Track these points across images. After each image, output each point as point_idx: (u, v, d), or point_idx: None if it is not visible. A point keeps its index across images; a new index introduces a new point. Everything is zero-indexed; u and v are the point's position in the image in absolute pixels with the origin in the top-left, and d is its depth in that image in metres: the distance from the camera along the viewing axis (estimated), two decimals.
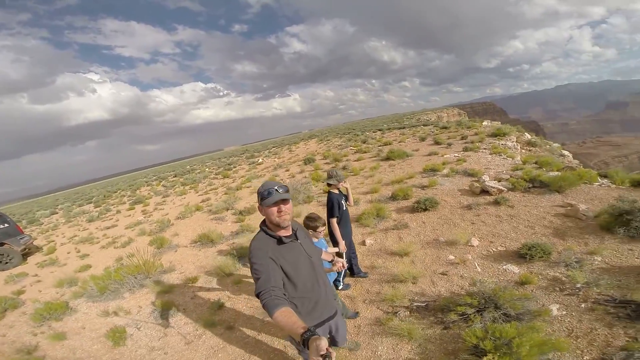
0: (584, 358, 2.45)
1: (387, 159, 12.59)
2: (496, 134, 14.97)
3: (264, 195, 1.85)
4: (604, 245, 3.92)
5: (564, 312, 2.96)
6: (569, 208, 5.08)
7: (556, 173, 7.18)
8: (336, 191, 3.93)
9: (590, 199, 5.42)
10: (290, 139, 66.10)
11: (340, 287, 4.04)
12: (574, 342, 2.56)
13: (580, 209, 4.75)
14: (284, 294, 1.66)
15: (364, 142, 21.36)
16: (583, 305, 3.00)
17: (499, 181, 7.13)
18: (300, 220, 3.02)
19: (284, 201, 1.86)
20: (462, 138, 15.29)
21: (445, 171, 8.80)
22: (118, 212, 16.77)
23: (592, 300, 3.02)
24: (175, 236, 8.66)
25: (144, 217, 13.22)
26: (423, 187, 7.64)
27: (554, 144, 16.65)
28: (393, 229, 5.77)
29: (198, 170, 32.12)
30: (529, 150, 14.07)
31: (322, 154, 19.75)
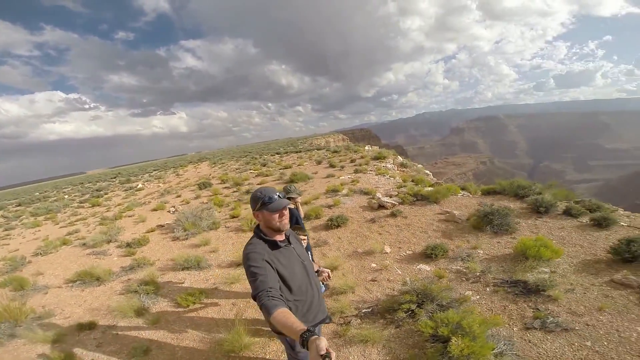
0: (514, 329, 3.07)
1: (291, 181, 12.96)
2: (378, 157, 17.38)
3: (266, 201, 1.89)
4: (480, 240, 5.07)
5: (478, 297, 3.67)
6: (447, 214, 6.35)
7: (430, 188, 8.86)
8: (293, 206, 3.96)
9: (459, 206, 6.89)
10: (175, 161, 60.54)
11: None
12: (499, 318, 3.19)
13: (456, 214, 6.04)
14: (281, 295, 1.67)
15: (264, 166, 21.45)
16: (488, 289, 3.79)
17: (391, 197, 8.30)
18: None
19: (286, 207, 1.94)
20: (352, 161, 17.13)
21: (344, 191, 9.70)
22: None
23: (492, 284, 3.85)
24: (38, 276, 6.77)
25: None
26: (330, 207, 8.19)
27: (419, 165, 20.42)
28: (315, 247, 5.94)
29: (54, 198, 25.77)
30: (403, 170, 16.71)
31: (218, 177, 18.78)
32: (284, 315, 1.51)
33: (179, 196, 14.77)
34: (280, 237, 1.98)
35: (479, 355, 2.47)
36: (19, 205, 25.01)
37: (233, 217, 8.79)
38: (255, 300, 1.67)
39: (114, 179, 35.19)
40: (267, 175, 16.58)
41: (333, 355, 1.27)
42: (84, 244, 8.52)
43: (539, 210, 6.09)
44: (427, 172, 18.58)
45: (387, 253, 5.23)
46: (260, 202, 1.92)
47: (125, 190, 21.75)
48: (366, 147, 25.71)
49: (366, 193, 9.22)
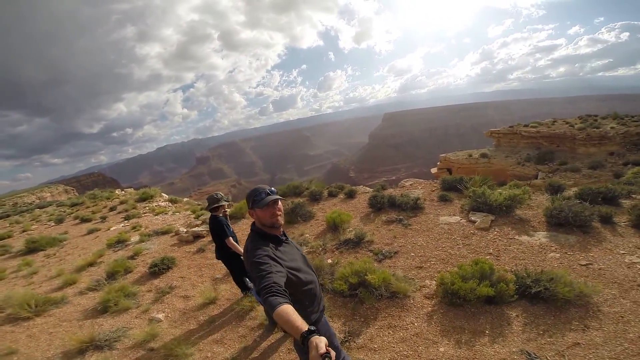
0: (375, 264, 4.34)
1: (32, 251, 9.00)
2: (144, 198, 15.53)
3: (257, 198, 1.91)
4: (300, 229, 6.36)
5: (337, 259, 4.79)
6: None
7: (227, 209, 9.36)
8: (220, 214, 4.09)
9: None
10: None
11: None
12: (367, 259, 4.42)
13: None
14: (285, 291, 1.63)
15: None
16: (337, 253, 5.07)
17: (198, 226, 8.06)
18: None
19: (276, 202, 1.95)
20: (111, 209, 14.29)
21: (135, 239, 8.20)
22: None
23: (335, 249, 5.16)
24: None
25: None
26: (132, 257, 6.74)
27: (185, 199, 19.97)
28: (164, 296, 4.95)
29: None
30: (176, 205, 15.87)
31: None
32: (287, 312, 1.49)
33: None
34: (278, 233, 2.00)
35: (387, 279, 3.61)
36: None
37: None
38: (259, 295, 1.63)
39: None
40: None
41: (333, 355, 1.28)
42: None
43: (316, 198, 8.28)
44: (197, 203, 18.60)
45: None
46: (252, 200, 1.94)
47: None
48: (117, 191, 21.82)
49: (166, 232, 8.32)
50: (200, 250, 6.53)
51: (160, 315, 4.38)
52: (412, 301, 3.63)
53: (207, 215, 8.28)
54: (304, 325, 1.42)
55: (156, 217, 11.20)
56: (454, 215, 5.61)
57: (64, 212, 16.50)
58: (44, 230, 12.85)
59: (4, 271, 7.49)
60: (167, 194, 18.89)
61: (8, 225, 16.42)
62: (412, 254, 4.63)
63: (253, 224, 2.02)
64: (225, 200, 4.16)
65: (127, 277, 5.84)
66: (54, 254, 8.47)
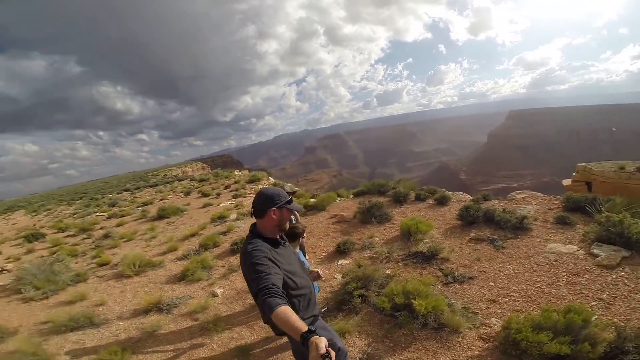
0: (438, 286, 3.73)
1: (160, 217, 11.27)
2: (253, 180, 17.40)
3: (287, 200, 1.96)
4: (372, 231, 5.88)
5: (397, 271, 4.28)
6: (337, 216, 7.05)
7: (313, 199, 9.59)
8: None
9: (342, 208, 7.74)
10: None
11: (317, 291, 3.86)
12: (429, 279, 3.80)
13: (345, 215, 6.80)
14: (283, 293, 1.63)
15: (114, 206, 17.76)
16: (400, 264, 4.49)
17: None
18: None
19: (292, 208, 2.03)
20: (226, 187, 16.47)
21: (233, 216, 9.23)
22: None
23: (400, 259, 4.60)
24: None
25: None
26: (224, 233, 7.61)
27: (289, 184, 21.60)
28: (231, 274, 5.38)
29: None
30: None
31: (52, 226, 14.40)
32: (286, 313, 1.49)
33: None
34: (277, 236, 2.01)
35: (439, 308, 2.99)
36: None
37: (102, 265, 7.03)
38: (256, 297, 1.62)
39: None
40: (122, 216, 13.86)
41: (333, 355, 1.28)
42: None
43: (399, 199, 7.61)
44: (297, 189, 19.87)
45: (307, 259, 5.35)
46: (284, 200, 1.96)
47: None
48: (236, 172, 25.19)
49: None
50: None
51: (219, 291, 4.74)
52: (459, 339, 2.95)
53: (303, 200, 8.92)
54: (303, 326, 1.42)
55: None
56: (569, 243, 4.23)
57: (193, 186, 20.05)
58: (175, 200, 15.92)
59: (135, 233, 9.57)
60: (276, 179, 20.94)
61: (154, 193, 21.08)
62: (491, 284, 3.75)
63: (253, 225, 2.01)
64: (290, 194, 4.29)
65: (213, 251, 6.58)
66: (173, 222, 10.36)
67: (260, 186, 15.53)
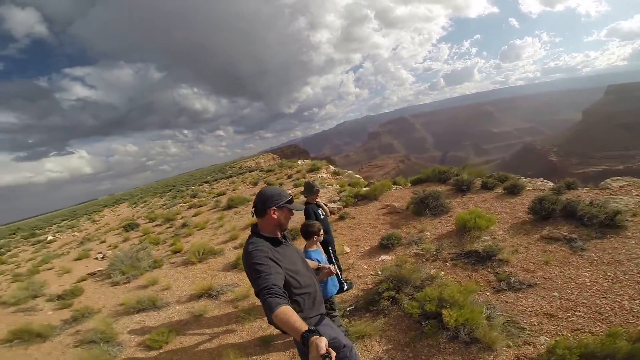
0: (487, 293, 3.32)
1: (229, 207, 12.30)
2: (312, 169, 17.75)
3: (288, 200, 1.96)
4: (424, 224, 5.45)
5: (443, 272, 3.89)
6: (389, 207, 6.72)
7: (366, 188, 9.32)
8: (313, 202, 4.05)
9: (396, 198, 7.34)
10: (85, 207, 53.49)
11: (345, 288, 4.03)
12: (473, 285, 3.36)
13: (397, 206, 6.43)
14: (284, 293, 1.64)
15: (195, 197, 19.99)
16: (448, 264, 4.07)
17: (334, 202, 8.49)
18: None
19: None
20: (288, 177, 17.15)
21: None
22: None
23: (450, 259, 4.14)
24: None
25: None
26: None
27: (349, 172, 21.47)
28: None
29: None
30: (336, 178, 17.38)
31: (145, 217, 16.95)
32: (286, 313, 1.49)
33: (103, 242, 13.52)
34: (278, 235, 2.00)
35: (473, 321, 2.58)
36: None
37: (175, 252, 8.03)
38: (257, 297, 1.64)
39: (13, 235, 30.09)
40: (200, 206, 15.50)
41: (333, 355, 1.27)
42: (4, 302, 7.00)
43: (462, 188, 6.87)
44: (358, 176, 19.65)
45: (347, 253, 5.27)
46: (286, 199, 1.96)
47: (33, 244, 18.90)
48: (299, 162, 26.02)
49: None
50: None
51: None
52: (491, 357, 2.51)
53: (355, 190, 8.71)
54: (303, 326, 1.42)
55: None
56: None
57: (261, 176, 21.36)
58: (244, 190, 17.18)
59: (207, 222, 10.59)
60: (340, 167, 21.08)
61: (228, 184, 23.01)
62: (555, 294, 3.09)
63: (254, 225, 2.01)
64: (317, 190, 4.13)
65: None
66: (239, 212, 11.19)
67: (318, 175, 15.79)
